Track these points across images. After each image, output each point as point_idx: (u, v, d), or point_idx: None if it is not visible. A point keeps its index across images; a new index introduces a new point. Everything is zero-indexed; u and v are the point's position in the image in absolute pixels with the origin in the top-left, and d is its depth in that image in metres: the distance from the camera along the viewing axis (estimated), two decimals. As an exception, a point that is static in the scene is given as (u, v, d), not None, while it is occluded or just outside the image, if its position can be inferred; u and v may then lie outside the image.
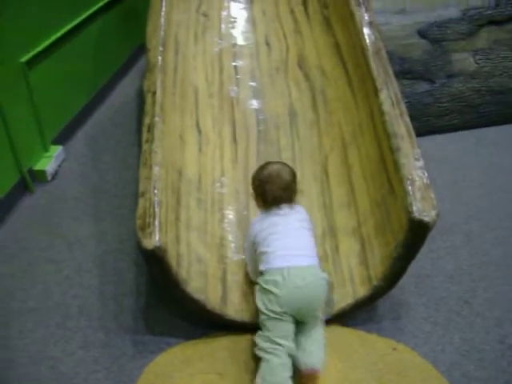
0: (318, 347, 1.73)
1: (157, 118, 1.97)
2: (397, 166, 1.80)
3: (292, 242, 1.77)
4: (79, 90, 2.87)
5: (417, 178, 1.75)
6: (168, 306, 2.03)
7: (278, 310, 1.68)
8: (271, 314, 1.68)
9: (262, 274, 1.75)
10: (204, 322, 1.92)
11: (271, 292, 1.68)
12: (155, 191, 1.77)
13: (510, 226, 2.37)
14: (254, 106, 2.47)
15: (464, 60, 2.96)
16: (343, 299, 1.89)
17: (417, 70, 2.91)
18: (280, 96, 2.49)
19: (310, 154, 2.28)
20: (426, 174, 1.77)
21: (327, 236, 2.06)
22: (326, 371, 1.77)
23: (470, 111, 2.98)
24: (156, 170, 1.83)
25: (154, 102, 2.02)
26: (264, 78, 2.54)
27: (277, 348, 1.68)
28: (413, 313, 2.01)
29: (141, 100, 3.01)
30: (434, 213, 1.67)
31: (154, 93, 2.04)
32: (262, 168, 1.91)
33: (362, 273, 1.90)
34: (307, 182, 2.21)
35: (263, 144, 2.35)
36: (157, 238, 1.66)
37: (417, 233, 1.69)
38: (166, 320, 1.99)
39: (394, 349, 1.87)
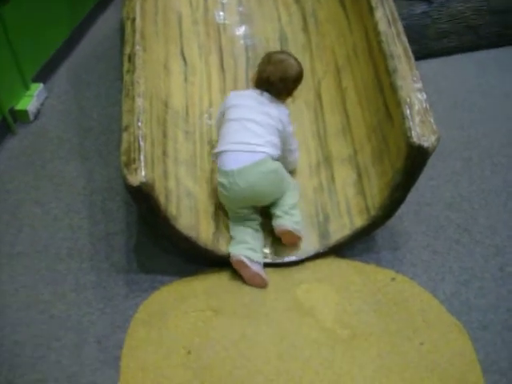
0: (286, 210, 1.81)
1: (137, 47, 1.84)
2: (394, 88, 1.69)
3: (246, 136, 1.79)
4: (58, 24, 2.70)
5: (415, 101, 1.64)
6: (160, 244, 1.97)
7: (232, 208, 1.82)
8: (229, 210, 1.84)
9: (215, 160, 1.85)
10: (197, 259, 1.87)
11: (222, 193, 1.80)
12: (139, 124, 1.67)
13: (510, 153, 2.29)
14: (242, 32, 2.33)
15: (464, -24, 2.79)
16: (340, 231, 1.83)
17: (414, -11, 2.75)
18: (269, 20, 2.34)
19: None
20: (425, 97, 1.66)
21: (322, 166, 1.98)
22: (325, 303, 1.74)
23: (470, 32, 2.84)
24: (139, 101, 1.72)
25: (133, 30, 1.88)
26: (251, 2, 2.39)
27: (242, 225, 1.82)
28: (412, 242, 1.96)
29: (124, 32, 2.88)
30: (433, 137, 1.58)
31: (134, 19, 1.91)
32: (279, 52, 1.99)
33: (360, 203, 1.83)
34: (300, 109, 2.10)
35: (253, 71, 2.22)
36: (143, 173, 1.57)
37: (416, 159, 1.61)
38: (158, 258, 1.94)
39: (393, 279, 1.82)
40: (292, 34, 2.27)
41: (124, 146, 1.65)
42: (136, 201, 1.65)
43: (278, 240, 1.86)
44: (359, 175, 1.87)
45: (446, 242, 1.95)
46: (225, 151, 1.80)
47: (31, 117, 2.45)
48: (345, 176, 1.91)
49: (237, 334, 1.66)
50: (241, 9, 2.38)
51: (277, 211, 1.83)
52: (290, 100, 1.92)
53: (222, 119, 1.90)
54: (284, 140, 1.86)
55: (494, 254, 1.91)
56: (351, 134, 1.94)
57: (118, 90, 2.59)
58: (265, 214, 1.87)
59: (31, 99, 2.46)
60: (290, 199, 1.84)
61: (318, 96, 2.10)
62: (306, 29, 2.25)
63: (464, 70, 2.75)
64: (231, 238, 1.82)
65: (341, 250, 1.86)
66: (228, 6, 2.37)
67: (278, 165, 1.80)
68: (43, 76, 2.62)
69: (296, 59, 1.90)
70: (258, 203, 1.84)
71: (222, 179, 1.78)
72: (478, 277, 1.84)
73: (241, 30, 2.32)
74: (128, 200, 2.13)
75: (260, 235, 1.85)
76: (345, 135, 1.96)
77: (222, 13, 2.35)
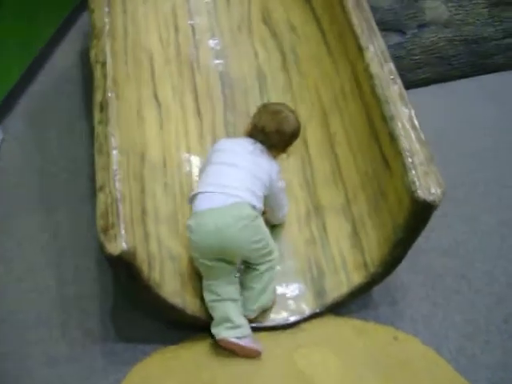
0: (253, 294, 1.66)
1: (110, 94, 1.67)
2: (392, 137, 1.58)
3: (223, 180, 1.63)
4: (12, 58, 2.50)
5: (417, 151, 1.54)
6: (139, 307, 1.79)
7: (197, 255, 1.61)
8: (197, 261, 1.63)
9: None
10: (183, 324, 1.70)
11: (189, 239, 1.62)
12: (116, 184, 1.51)
13: (497, 191, 2.21)
14: (217, 70, 2.18)
15: (436, 8, 2.74)
16: (336, 288, 1.71)
17: (387, 20, 2.67)
18: (245, 57, 2.21)
19: (285, 123, 2.04)
20: (427, 145, 1.56)
21: (312, 216, 1.85)
22: (325, 370, 1.60)
23: (443, 63, 2.78)
24: (114, 157, 1.56)
25: (104, 75, 1.72)
26: (225, 38, 2.25)
27: (218, 298, 1.62)
28: (410, 294, 1.85)
29: (86, 66, 2.68)
30: (439, 191, 1.48)
31: (104, 63, 1.74)
32: (278, 104, 1.82)
33: (356, 257, 1.71)
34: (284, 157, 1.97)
35: (231, 113, 2.09)
36: (123, 240, 1.41)
37: (420, 214, 1.50)
38: (138, 323, 1.76)
39: (395, 338, 1.71)
40: (270, 73, 2.14)
41: (100, 208, 1.49)
42: (116, 270, 1.49)
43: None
44: (354, 227, 1.75)
45: (445, 292, 1.85)
46: (199, 193, 1.64)
47: (-14, 162, 2.24)
48: (338, 227, 1.78)
49: (234, 413, 1.51)
50: (214, 44, 2.24)
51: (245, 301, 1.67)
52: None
53: (206, 163, 1.76)
54: (273, 196, 1.72)
55: (495, 303, 1.82)
56: (343, 181, 1.83)
57: (83, 130, 2.42)
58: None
59: (-14, 143, 2.25)
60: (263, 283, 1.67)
61: (304, 141, 1.97)
62: (285, 67, 2.13)
63: (439, 102, 2.67)
64: (209, 311, 1.64)
65: (337, 308, 1.73)
66: (200, 41, 2.22)
67: (256, 214, 1.62)
68: (-2, 116, 2.40)
69: (294, 112, 1.77)
70: (226, 255, 1.60)
71: (189, 221, 1.62)
72: (483, 330, 1.75)
73: (215, 68, 2.17)
74: (100, 257, 1.94)
75: (239, 302, 1.66)
76: (336, 183, 1.84)
77: (194, 50, 2.20)
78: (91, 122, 2.39)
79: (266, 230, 1.66)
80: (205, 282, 1.65)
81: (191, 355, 1.65)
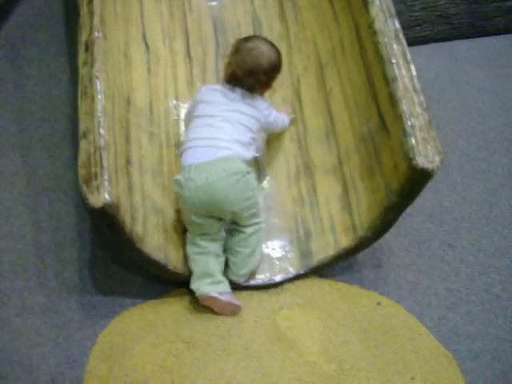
0: (240, 258, 1.62)
1: (96, 33, 1.56)
2: (393, 99, 1.51)
3: (210, 133, 1.57)
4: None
5: (418, 116, 1.47)
6: (118, 258, 1.74)
7: (186, 211, 1.57)
8: (185, 216, 1.58)
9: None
10: (164, 279, 1.66)
11: (177, 194, 1.57)
12: (101, 131, 1.42)
13: (487, 157, 2.17)
14: (210, 14, 2.06)
15: (440, -39, 2.63)
16: (323, 250, 1.67)
17: (389, -29, 2.56)
18: (240, 2, 2.08)
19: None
20: (428, 110, 1.50)
21: (302, 175, 1.79)
22: (308, 332, 1.59)
23: (443, 22, 2.69)
24: (100, 101, 1.46)
25: (91, 12, 1.59)
26: (220, -21, 2.12)
27: (202, 251, 1.58)
28: (395, 259, 1.82)
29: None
30: (437, 159, 1.43)
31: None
32: (250, 38, 1.71)
33: (345, 220, 1.67)
34: (276, 108, 1.89)
35: (222, 60, 1.97)
36: (106, 192, 1.34)
37: (416, 181, 1.45)
38: (117, 275, 1.71)
39: (379, 303, 1.69)
40: (266, 20, 2.03)
41: (82, 157, 1.40)
42: (98, 223, 1.42)
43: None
44: (345, 189, 1.70)
45: (431, 259, 1.83)
46: (187, 148, 1.58)
47: (-40, 98, 2.11)
48: (328, 188, 1.73)
49: (214, 371, 1.48)
50: (208, -15, 2.11)
51: (230, 262, 1.64)
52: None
53: (189, 116, 1.68)
54: (269, 127, 1.75)
55: (479, 273, 1.81)
56: (336, 140, 1.76)
57: (63, 68, 2.30)
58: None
59: (-40, 77, 2.11)
60: (250, 245, 1.63)
61: (297, 94, 1.89)
62: (282, 15, 2.02)
63: (437, 61, 2.60)
64: (189, 266, 1.60)
65: (322, 269, 1.70)
66: (194, -19, 2.09)
67: (247, 169, 1.56)
68: (-27, 48, 2.26)
69: (270, 45, 1.67)
70: (216, 212, 1.55)
71: (178, 176, 1.55)
72: (465, 300, 1.74)
73: (208, 11, 2.05)
74: (79, 203, 1.87)
75: (222, 259, 1.63)
76: (328, 141, 1.77)
77: (187, -11, 2.07)
78: (74, 60, 2.29)
79: (256, 187, 1.60)
80: (189, 236, 1.61)
81: (171, 311, 1.61)
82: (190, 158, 1.56)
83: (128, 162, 1.55)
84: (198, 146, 1.56)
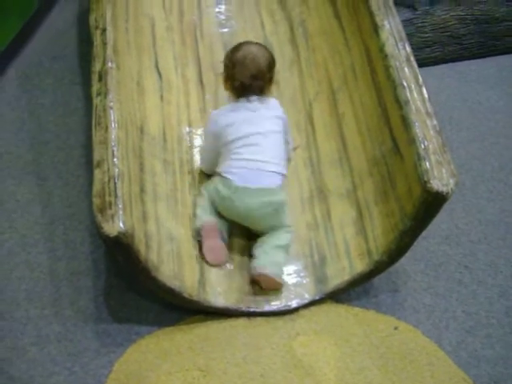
0: (266, 250, 1.63)
1: (110, 64, 1.59)
2: (406, 123, 1.51)
3: (254, 154, 1.63)
4: (6, 18, 2.37)
5: (431, 139, 1.47)
6: (134, 286, 1.73)
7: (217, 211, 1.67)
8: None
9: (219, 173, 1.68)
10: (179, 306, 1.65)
11: (218, 195, 1.64)
12: (115, 160, 1.43)
13: (503, 178, 2.16)
14: (221, 40, 2.08)
15: (449, -17, 2.64)
16: (338, 275, 1.66)
17: (398, -6, 2.58)
18: (251, 28, 2.11)
19: (290, 99, 1.96)
20: (441, 133, 1.50)
21: (316, 199, 1.79)
22: (325, 359, 1.57)
23: (453, 42, 2.70)
24: (113, 131, 1.48)
25: (104, 43, 1.63)
26: (231, 7, 2.14)
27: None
28: (411, 283, 1.80)
29: (83, 28, 2.57)
30: (452, 182, 1.43)
31: (104, 30, 1.65)
32: (237, 47, 1.73)
33: (360, 245, 1.66)
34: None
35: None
36: (121, 221, 1.35)
37: (431, 205, 1.44)
38: (132, 303, 1.70)
39: (396, 328, 1.67)
40: (278, 46, 2.05)
41: (97, 186, 1.42)
42: (112, 251, 1.42)
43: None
44: (359, 213, 1.69)
45: (448, 282, 1.81)
46: (233, 168, 1.64)
47: (-24, 128, 2.14)
48: (343, 213, 1.73)
49: (230, 401, 1.47)
50: (219, 12, 2.14)
51: (256, 251, 1.65)
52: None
53: (216, 142, 1.70)
54: (286, 128, 1.76)
55: (498, 295, 1.78)
56: (349, 165, 1.76)
57: (77, 96, 2.32)
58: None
59: (-23, 107, 2.15)
60: (275, 240, 1.66)
61: (310, 119, 1.90)
62: (293, 41, 2.04)
63: (448, 82, 2.60)
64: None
65: (338, 295, 1.69)
66: (205, 8, 2.12)
67: (284, 198, 1.66)
68: (-11, 79, 2.30)
69: (256, 44, 1.76)
70: (245, 224, 1.68)
71: (222, 185, 1.64)
72: (484, 323, 1.71)
73: (220, 38, 2.08)
74: (94, 231, 1.88)
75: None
76: (342, 166, 1.78)
77: (198, 17, 2.10)
78: (87, 88, 2.32)
79: (287, 212, 1.69)
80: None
81: (186, 339, 1.60)
82: (237, 178, 1.61)
83: (142, 190, 1.56)
84: (246, 168, 1.63)
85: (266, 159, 1.63)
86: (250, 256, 1.67)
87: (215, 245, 1.63)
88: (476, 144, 2.27)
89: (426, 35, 2.64)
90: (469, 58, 2.73)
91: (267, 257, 1.63)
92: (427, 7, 2.62)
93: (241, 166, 1.62)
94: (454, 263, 1.87)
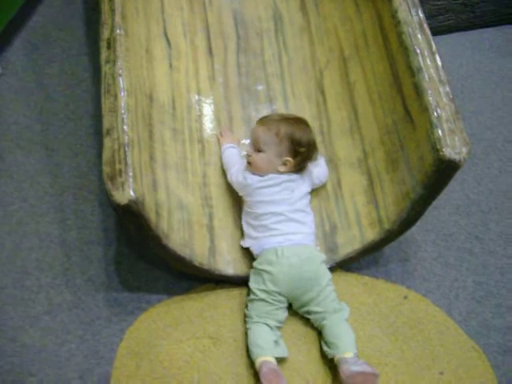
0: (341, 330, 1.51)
1: (118, 31, 1.55)
2: (418, 90, 1.49)
3: (292, 223, 1.59)
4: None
5: (444, 107, 1.45)
6: (144, 255, 1.74)
7: (271, 288, 1.52)
8: (261, 294, 1.53)
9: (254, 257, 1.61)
10: (189, 275, 1.66)
11: (265, 271, 1.53)
12: (124, 127, 1.41)
13: (516, 147, 2.14)
14: (230, 7, 2.04)
15: None
16: (349, 244, 1.65)
17: (411, -41, 2.51)
18: (260, -6, 2.07)
19: (300, 67, 1.93)
20: (454, 101, 1.48)
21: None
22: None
23: (466, 10, 2.64)
24: (123, 98, 1.46)
25: (112, 9, 1.59)
26: (239, -28, 2.10)
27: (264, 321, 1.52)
28: (421, 253, 1.80)
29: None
30: (465, 150, 1.40)
31: (112, -4, 1.61)
32: (306, 127, 1.67)
33: (371, 213, 1.65)
34: (299, 103, 1.88)
35: (244, 55, 1.96)
36: (131, 189, 1.33)
37: (444, 173, 1.43)
38: (143, 272, 1.71)
39: (405, 297, 1.67)
40: (287, 13, 2.01)
41: (107, 154, 1.40)
42: (123, 220, 1.42)
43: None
44: (370, 182, 1.68)
45: (458, 252, 1.80)
46: (267, 233, 1.59)
47: (-16, 98, 2.13)
48: (353, 182, 1.71)
49: (241, 367, 1.48)
50: (227, -21, 2.09)
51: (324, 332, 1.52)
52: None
53: (247, 189, 1.64)
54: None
55: (508, 265, 1.77)
56: (360, 134, 1.74)
57: (84, 66, 2.30)
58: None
59: (-16, 77, 2.13)
60: (331, 303, 1.55)
61: (320, 88, 1.87)
62: (303, 8, 1.99)
63: (460, 51, 2.56)
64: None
65: (348, 263, 1.69)
66: (213, -25, 2.08)
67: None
68: (-4, 49, 2.27)
69: (283, 115, 1.74)
70: (305, 284, 1.53)
71: (266, 256, 1.55)
72: (494, 293, 1.71)
73: (229, 5, 2.03)
74: (103, 201, 1.88)
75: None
76: (353, 135, 1.76)
77: (206, -17, 2.06)
78: (95, 58, 2.30)
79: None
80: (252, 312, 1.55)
81: (197, 307, 1.61)
82: (279, 241, 1.56)
83: (152, 158, 1.55)
84: (282, 235, 1.57)
85: (298, 226, 1.59)
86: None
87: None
88: (488, 113, 2.24)
89: (439, 3, 2.58)
90: (481, 27, 2.67)
91: (345, 341, 1.48)
92: (440, -26, 2.56)
93: (275, 234, 1.57)
94: (465, 233, 1.86)
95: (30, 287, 1.66)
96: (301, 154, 1.62)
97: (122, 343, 1.55)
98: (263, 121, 1.67)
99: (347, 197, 1.71)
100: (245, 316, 1.56)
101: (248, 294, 1.58)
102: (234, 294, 1.63)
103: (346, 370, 1.39)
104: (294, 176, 1.64)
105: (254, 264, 1.57)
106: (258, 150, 1.62)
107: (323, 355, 1.51)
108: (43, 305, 1.63)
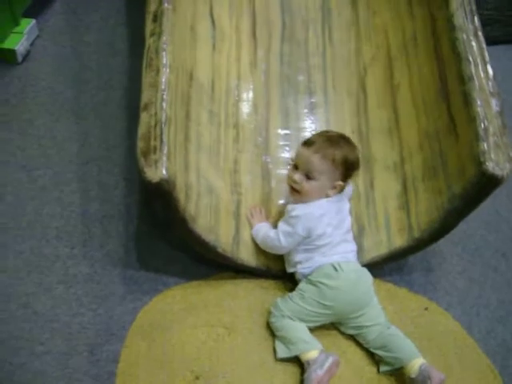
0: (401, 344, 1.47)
1: (166, 4, 1.52)
2: (467, 100, 1.44)
3: (344, 243, 1.56)
4: None
5: (492, 119, 1.40)
6: (164, 236, 1.71)
7: (327, 302, 1.46)
8: (311, 304, 1.47)
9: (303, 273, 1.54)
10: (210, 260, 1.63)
11: (323, 283, 1.47)
12: (163, 104, 1.38)
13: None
14: (279, -7, 2.00)
15: (517, -41, 2.51)
16: (375, 248, 1.62)
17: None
18: (310, -17, 2.02)
19: (344, 62, 1.88)
20: (503, 114, 1.43)
21: (361, 168, 1.71)
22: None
23: (516, 23, 2.59)
24: (165, 75, 1.42)
25: (162, -18, 1.55)
26: (291, -40, 2.05)
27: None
28: (446, 265, 1.76)
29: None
30: (509, 166, 1.36)
31: (163, -31, 1.57)
32: (354, 146, 1.58)
33: (402, 219, 1.61)
34: (339, 99, 1.83)
35: (288, 44, 1.92)
36: (164, 167, 1.30)
37: (484, 187, 1.38)
38: (162, 253, 1.68)
39: (426, 309, 1.63)
40: (336, 5, 1.95)
41: (143, 129, 1.37)
42: (152, 197, 1.39)
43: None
44: (404, 187, 1.64)
45: (483, 268, 1.76)
46: (322, 249, 1.53)
47: (19, 58, 2.09)
48: (387, 185, 1.67)
49: (254, 360, 1.45)
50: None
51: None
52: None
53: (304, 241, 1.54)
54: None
55: (533, 287, 1.74)
56: (399, 137, 1.70)
57: (122, 37, 2.27)
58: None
59: (21, 37, 2.09)
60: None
61: (362, 85, 1.83)
62: (353, 1, 1.94)
63: (505, 64, 2.50)
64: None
65: (373, 268, 1.65)
66: (264, -42, 2.03)
67: None
68: (35, 10, 2.23)
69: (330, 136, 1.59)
70: (359, 300, 1.49)
71: (323, 271, 1.49)
72: (517, 314, 1.67)
73: (277, -7, 1.99)
74: (128, 176, 1.85)
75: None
76: (391, 137, 1.71)
77: (256, -32, 2.01)
78: (132, 30, 2.27)
79: None
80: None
81: (214, 295, 1.58)
82: (334, 259, 1.50)
83: (186, 138, 1.51)
84: (338, 254, 1.53)
85: (348, 244, 1.56)
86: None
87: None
88: (528, 131, 2.19)
89: (488, 12, 2.52)
90: (529, 42, 2.62)
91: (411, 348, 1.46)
92: (492, -17, 2.50)
93: (333, 259, 1.51)
94: (492, 250, 1.82)
95: (48, 255, 1.64)
96: (350, 175, 1.56)
97: (134, 322, 1.52)
98: (315, 147, 1.52)
99: (379, 199, 1.67)
100: (272, 311, 1.50)
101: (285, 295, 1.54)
102: (254, 286, 1.60)
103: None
104: (339, 196, 1.57)
105: (309, 277, 1.50)
106: (309, 177, 1.51)
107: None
108: (58, 274, 1.60)
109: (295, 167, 1.54)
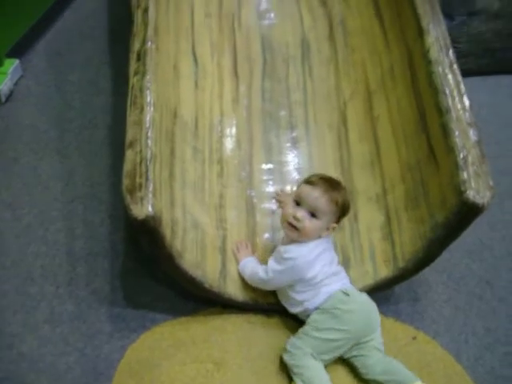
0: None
1: (149, 44, 1.55)
2: (445, 131, 1.48)
3: (340, 274, 1.59)
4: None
5: (470, 149, 1.44)
6: (151, 272, 1.71)
7: (344, 327, 1.47)
8: (329, 333, 1.47)
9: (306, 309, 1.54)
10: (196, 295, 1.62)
11: (339, 309, 1.49)
12: (148, 141, 1.40)
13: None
14: (259, 32, 2.05)
15: (489, -4, 2.60)
16: (361, 279, 1.62)
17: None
18: (290, 22, 2.07)
19: (324, 97, 1.93)
20: (481, 144, 1.47)
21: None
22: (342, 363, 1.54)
23: (487, 55, 2.67)
24: (149, 112, 1.44)
25: (145, 22, 1.59)
26: (271, -1, 2.11)
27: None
28: (432, 294, 1.77)
29: (114, 6, 2.55)
30: (489, 194, 1.39)
31: (146, 9, 1.61)
32: (346, 190, 1.60)
33: (386, 250, 1.62)
34: (321, 133, 1.87)
35: (269, 80, 1.96)
36: (150, 204, 1.31)
37: (465, 216, 1.41)
38: (149, 289, 1.68)
39: (414, 338, 1.64)
40: (315, 42, 2.01)
41: (128, 166, 1.38)
42: (138, 234, 1.39)
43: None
44: (387, 218, 1.66)
45: (468, 296, 1.78)
46: (322, 283, 1.54)
47: (3, 98, 2.11)
48: (370, 216, 1.69)
49: (243, 397, 1.44)
50: (258, 3, 2.10)
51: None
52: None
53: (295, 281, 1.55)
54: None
55: (518, 314, 1.75)
56: (381, 168, 1.73)
57: (106, 76, 2.30)
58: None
59: (5, 77, 2.11)
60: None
61: (343, 119, 1.86)
62: (332, 38, 2.00)
63: (479, 95, 2.56)
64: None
65: (358, 299, 1.66)
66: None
67: None
68: (19, 50, 2.26)
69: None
70: (370, 324, 1.52)
71: (332, 299, 1.50)
72: (503, 341, 1.68)
73: (257, 30, 2.04)
74: (114, 212, 1.85)
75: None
76: (373, 169, 1.74)
77: (236, 7, 2.06)
78: (115, 69, 2.30)
79: None
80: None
81: (202, 330, 1.57)
82: (338, 285, 1.54)
83: (171, 175, 1.53)
84: (338, 282, 1.56)
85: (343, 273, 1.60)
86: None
87: None
88: (505, 159, 2.23)
89: (461, 46, 2.60)
90: (502, 73, 2.70)
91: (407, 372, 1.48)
92: (464, 17, 2.59)
93: (337, 287, 1.53)
94: (476, 278, 1.83)
95: (33, 294, 1.63)
96: (343, 218, 1.59)
97: (122, 360, 1.50)
98: (322, 188, 1.52)
99: (363, 231, 1.69)
100: (290, 350, 1.48)
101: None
102: (242, 321, 1.59)
103: None
104: (328, 235, 1.59)
105: (322, 306, 1.50)
106: (313, 216, 1.51)
107: None
108: (44, 313, 1.59)
109: (296, 204, 1.53)
